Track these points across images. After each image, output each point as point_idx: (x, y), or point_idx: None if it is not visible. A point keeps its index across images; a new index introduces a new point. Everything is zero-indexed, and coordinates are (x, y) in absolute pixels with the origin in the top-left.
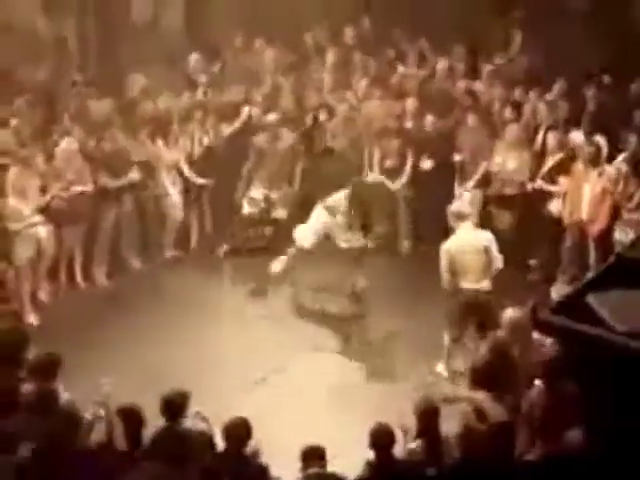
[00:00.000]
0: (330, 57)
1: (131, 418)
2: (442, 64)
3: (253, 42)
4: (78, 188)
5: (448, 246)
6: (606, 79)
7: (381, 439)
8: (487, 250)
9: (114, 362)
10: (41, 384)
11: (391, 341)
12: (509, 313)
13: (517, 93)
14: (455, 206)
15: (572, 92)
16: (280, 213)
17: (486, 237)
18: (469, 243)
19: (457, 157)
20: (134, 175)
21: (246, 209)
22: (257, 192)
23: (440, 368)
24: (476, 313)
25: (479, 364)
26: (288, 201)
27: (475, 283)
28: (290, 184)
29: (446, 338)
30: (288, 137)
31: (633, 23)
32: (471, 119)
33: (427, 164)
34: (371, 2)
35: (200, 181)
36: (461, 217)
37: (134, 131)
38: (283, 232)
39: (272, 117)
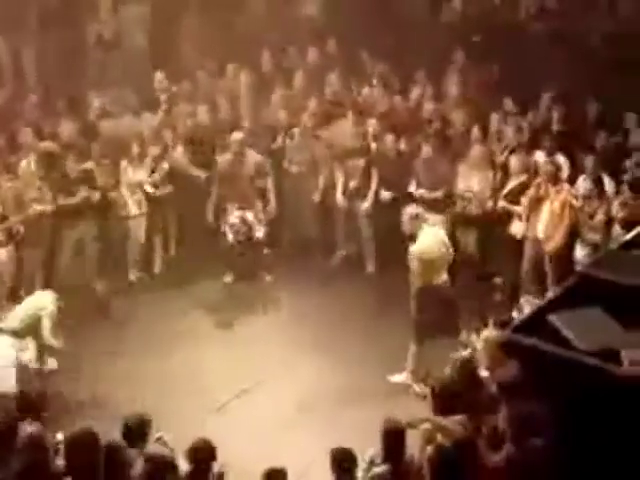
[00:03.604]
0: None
1: (87, 444)
2: (415, 91)
3: (215, 62)
4: (38, 208)
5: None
6: (564, 101)
7: (342, 461)
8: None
9: (74, 388)
10: None
11: (356, 362)
12: (485, 333)
13: (483, 116)
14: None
15: (533, 113)
16: (258, 233)
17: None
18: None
19: (412, 187)
20: (87, 194)
21: (230, 237)
22: (233, 217)
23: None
24: None
25: (444, 384)
26: (264, 219)
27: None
28: (263, 201)
29: None
30: (253, 156)
31: (593, 47)
32: (426, 151)
33: (386, 195)
34: (336, 25)
35: (162, 191)
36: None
37: (96, 152)
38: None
39: (237, 136)
